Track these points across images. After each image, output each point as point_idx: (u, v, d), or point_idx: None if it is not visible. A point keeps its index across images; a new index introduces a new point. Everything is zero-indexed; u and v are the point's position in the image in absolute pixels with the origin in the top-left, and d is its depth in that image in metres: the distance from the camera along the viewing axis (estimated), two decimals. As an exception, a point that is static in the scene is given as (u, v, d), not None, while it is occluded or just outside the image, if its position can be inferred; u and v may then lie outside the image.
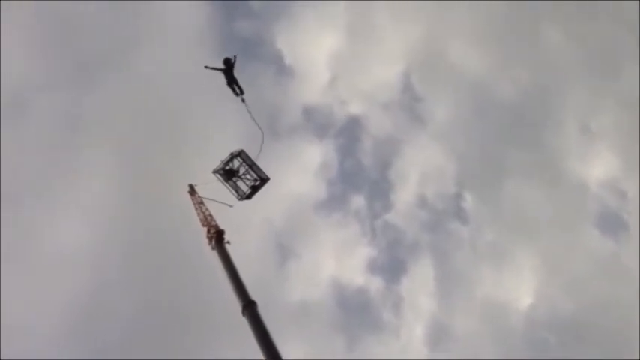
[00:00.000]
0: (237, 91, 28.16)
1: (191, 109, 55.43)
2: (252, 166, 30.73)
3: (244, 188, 31.12)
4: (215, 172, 30.79)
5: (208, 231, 25.67)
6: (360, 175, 65.47)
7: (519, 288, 60.12)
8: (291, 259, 58.33)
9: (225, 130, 55.37)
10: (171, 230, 39.18)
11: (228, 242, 24.81)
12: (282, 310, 49.36)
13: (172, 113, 54.38)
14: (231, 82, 27.86)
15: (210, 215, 27.27)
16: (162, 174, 46.48)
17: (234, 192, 30.99)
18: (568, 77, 62.92)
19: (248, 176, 31.04)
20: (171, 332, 43.34)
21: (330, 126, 65.80)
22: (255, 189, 31.11)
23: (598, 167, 62.97)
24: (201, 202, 28.83)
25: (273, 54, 65.80)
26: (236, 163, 30.85)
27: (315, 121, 65.49)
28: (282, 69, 65.00)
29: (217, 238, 24.79)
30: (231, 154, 30.78)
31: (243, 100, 28.32)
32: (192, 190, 30.48)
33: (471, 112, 64.87)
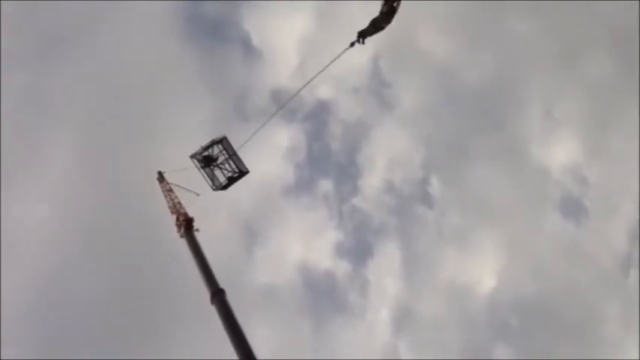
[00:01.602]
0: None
1: (158, 92, 55.08)
2: (232, 155, 29.65)
3: (221, 178, 29.94)
4: (193, 157, 29.68)
5: (177, 218, 25.46)
6: (327, 159, 65.73)
7: (483, 271, 61.24)
8: (259, 242, 58.52)
9: (194, 114, 55.20)
10: (137, 211, 39.07)
11: (197, 230, 24.62)
12: (250, 293, 49.62)
13: (138, 95, 53.97)
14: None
15: (180, 202, 26.93)
16: (126, 155, 46.25)
17: (209, 180, 29.87)
18: (532, 64, 63.68)
19: (227, 166, 29.86)
20: (137, 316, 43.37)
21: (299, 110, 65.77)
22: (232, 180, 30.02)
23: (560, 153, 64.10)
24: (170, 190, 28.36)
25: (241, 36, 65.45)
26: (216, 150, 29.61)
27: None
28: (250, 51, 64.71)
29: (186, 226, 24.62)
30: (213, 140, 29.62)
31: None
32: (161, 177, 29.86)
33: (438, 98, 65.42)
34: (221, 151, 29.78)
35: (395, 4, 19.24)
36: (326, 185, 63.72)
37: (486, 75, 63.96)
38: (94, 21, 56.51)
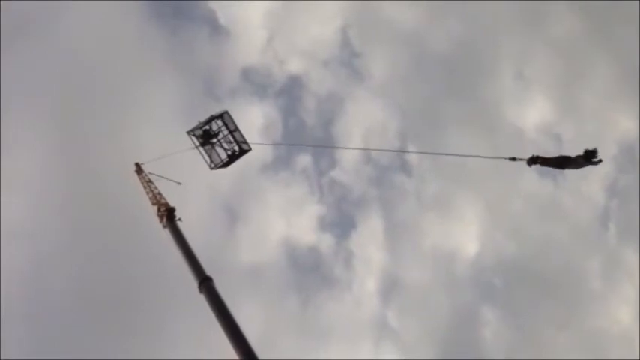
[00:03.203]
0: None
1: (125, 77, 54.47)
2: (233, 131, 28.49)
3: (222, 156, 28.74)
4: (190, 132, 28.50)
5: (158, 209, 24.98)
6: (303, 133, 65.82)
7: (465, 235, 62.01)
8: (241, 222, 58.76)
9: (164, 98, 54.70)
10: (117, 202, 38.78)
11: (179, 220, 24.13)
12: (236, 273, 49.86)
13: (105, 81, 53.28)
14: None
15: (160, 193, 26.40)
16: (99, 144, 45.77)
17: (207, 159, 28.69)
18: (500, 26, 63.95)
19: (226, 143, 28.60)
20: (126, 307, 43.28)
21: (271, 86, 65.65)
22: (232, 158, 28.88)
23: (533, 112, 64.67)
24: (150, 181, 27.75)
25: (206, 15, 64.92)
26: (215, 126, 28.38)
27: (255, 82, 65.27)
28: (216, 30, 64.30)
29: (168, 216, 24.13)
30: (212, 115, 28.36)
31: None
32: (139, 169, 29.10)
33: (409, 66, 65.59)
34: (220, 128, 28.54)
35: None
36: (304, 160, 64.01)
37: (455, 39, 64.28)
38: (53, 6, 55.52)
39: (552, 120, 63.80)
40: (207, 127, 28.52)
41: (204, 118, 29.07)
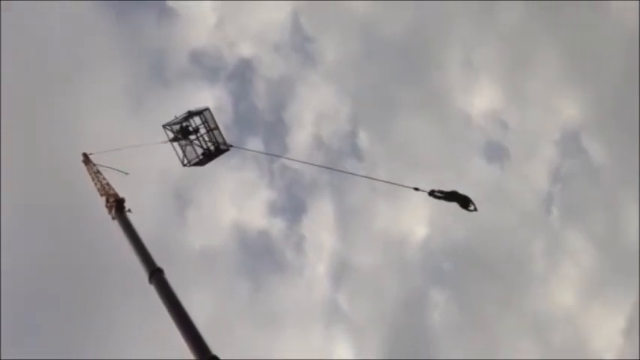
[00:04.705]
0: None
1: (70, 61, 53.40)
2: (213, 129, 27.92)
3: (198, 152, 28.06)
4: (167, 126, 27.73)
5: (107, 200, 24.49)
6: (254, 118, 65.68)
7: (415, 220, 62.92)
8: (190, 207, 58.46)
9: (110, 82, 53.77)
10: (65, 193, 38.24)
11: (129, 210, 23.62)
12: (186, 259, 49.70)
13: (48, 66, 52.13)
14: None
15: (108, 184, 25.88)
16: (45, 132, 44.88)
17: (180, 155, 28.08)
18: (449, 13, 64.69)
19: (203, 142, 27.92)
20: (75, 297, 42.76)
21: (221, 69, 65.20)
22: (208, 157, 28.22)
23: (480, 99, 65.88)
24: (98, 171, 27.26)
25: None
26: (193, 122, 27.65)
27: (205, 65, 64.72)
28: (165, 11, 63.42)
29: (117, 207, 23.63)
30: (189, 111, 27.69)
31: None
32: (86, 159, 28.54)
33: (360, 51, 65.91)
34: (198, 125, 27.93)
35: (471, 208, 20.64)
36: (254, 144, 63.71)
37: (406, 26, 64.81)
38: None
39: (499, 107, 65.24)
40: (186, 123, 27.90)
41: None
